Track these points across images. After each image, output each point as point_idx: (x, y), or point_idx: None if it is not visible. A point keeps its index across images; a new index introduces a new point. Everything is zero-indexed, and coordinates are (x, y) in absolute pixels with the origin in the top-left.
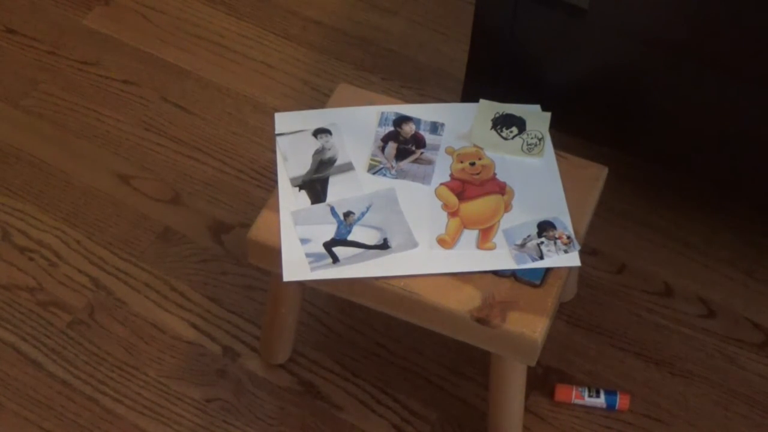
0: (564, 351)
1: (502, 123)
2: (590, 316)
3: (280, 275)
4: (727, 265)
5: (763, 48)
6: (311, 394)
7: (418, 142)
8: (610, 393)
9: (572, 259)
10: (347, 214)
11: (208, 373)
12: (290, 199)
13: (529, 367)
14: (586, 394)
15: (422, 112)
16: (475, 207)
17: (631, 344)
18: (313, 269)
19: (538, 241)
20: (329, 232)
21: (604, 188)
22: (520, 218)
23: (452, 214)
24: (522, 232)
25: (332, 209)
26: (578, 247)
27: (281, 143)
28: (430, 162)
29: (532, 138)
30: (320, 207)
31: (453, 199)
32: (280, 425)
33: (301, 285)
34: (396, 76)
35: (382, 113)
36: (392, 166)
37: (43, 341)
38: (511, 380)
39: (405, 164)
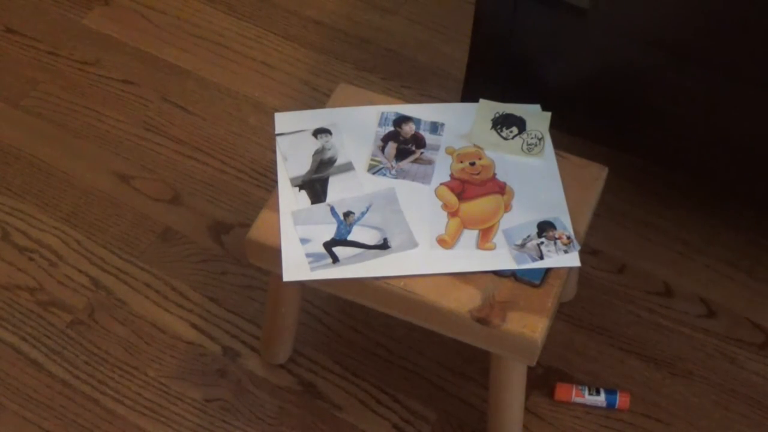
0: (564, 351)
1: (502, 123)
2: (590, 316)
3: (280, 275)
4: (727, 265)
5: (763, 48)
6: (311, 394)
7: (418, 142)
8: (611, 392)
9: (572, 259)
10: (347, 214)
11: (208, 373)
12: (290, 199)
13: (529, 367)
14: (587, 392)
15: (422, 111)
16: (475, 207)
17: (631, 344)
18: (313, 269)
19: (538, 241)
20: (329, 232)
21: (605, 188)
22: (520, 218)
23: (452, 214)
24: (522, 232)
25: (332, 209)
26: (578, 247)
27: (281, 143)
28: (430, 162)
29: (532, 138)
30: (320, 207)
31: (453, 199)
32: (280, 425)
33: (301, 285)
34: (396, 76)
35: (382, 113)
36: (392, 166)
37: (43, 341)
38: (511, 380)
39: (405, 164)
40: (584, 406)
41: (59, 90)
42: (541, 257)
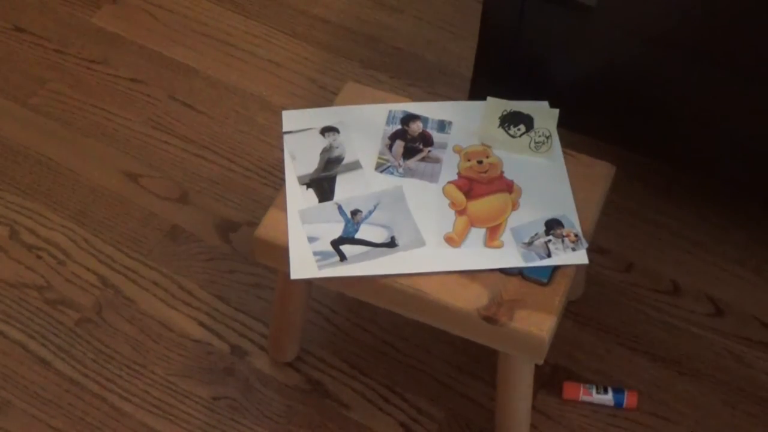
0: (572, 349)
1: (509, 121)
2: (598, 314)
3: (288, 273)
4: (735, 264)
5: None
6: (319, 392)
7: (426, 140)
8: (618, 390)
9: (580, 257)
10: (355, 213)
11: (215, 371)
12: (298, 198)
13: (536, 366)
14: (594, 391)
15: (430, 110)
16: (483, 205)
17: (639, 343)
18: (320, 267)
19: (546, 239)
20: (337, 230)
21: (612, 186)
22: (527, 216)
23: (460, 212)
24: (530, 230)
25: (340, 207)
26: (586, 245)
27: (289, 141)
28: (437, 160)
29: (539, 136)
30: (328, 205)
31: (460, 197)
32: (288, 423)
33: (309, 283)
34: (403, 74)
35: (390, 111)
36: (400, 164)
37: (51, 339)
38: (518, 378)
39: (412, 162)
40: (592, 404)
41: (67, 88)
42: (549, 255)
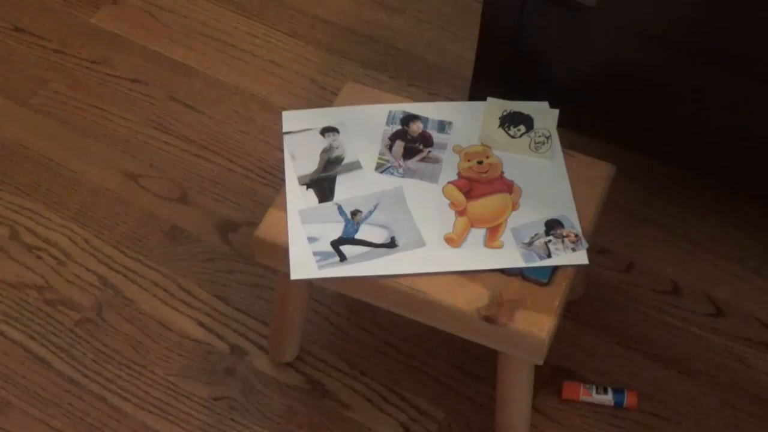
0: (571, 350)
1: (509, 121)
2: (598, 314)
3: (288, 274)
4: (735, 264)
5: None
6: (319, 392)
7: (426, 140)
8: (618, 390)
9: (580, 258)
10: (355, 213)
11: (215, 371)
12: (298, 198)
13: (536, 366)
14: (594, 391)
15: (430, 110)
16: (483, 205)
17: (639, 343)
18: (320, 268)
19: (546, 240)
20: (337, 230)
21: (612, 186)
22: (527, 217)
23: (460, 212)
24: (530, 231)
25: (339, 208)
26: (586, 246)
27: (289, 142)
28: (437, 160)
29: (539, 136)
30: (328, 206)
31: (460, 197)
32: (288, 423)
33: (309, 283)
34: (403, 75)
35: (390, 112)
36: (400, 164)
37: (51, 339)
38: (518, 379)
39: (412, 163)
40: (592, 404)
41: (67, 89)
42: (549, 255)
